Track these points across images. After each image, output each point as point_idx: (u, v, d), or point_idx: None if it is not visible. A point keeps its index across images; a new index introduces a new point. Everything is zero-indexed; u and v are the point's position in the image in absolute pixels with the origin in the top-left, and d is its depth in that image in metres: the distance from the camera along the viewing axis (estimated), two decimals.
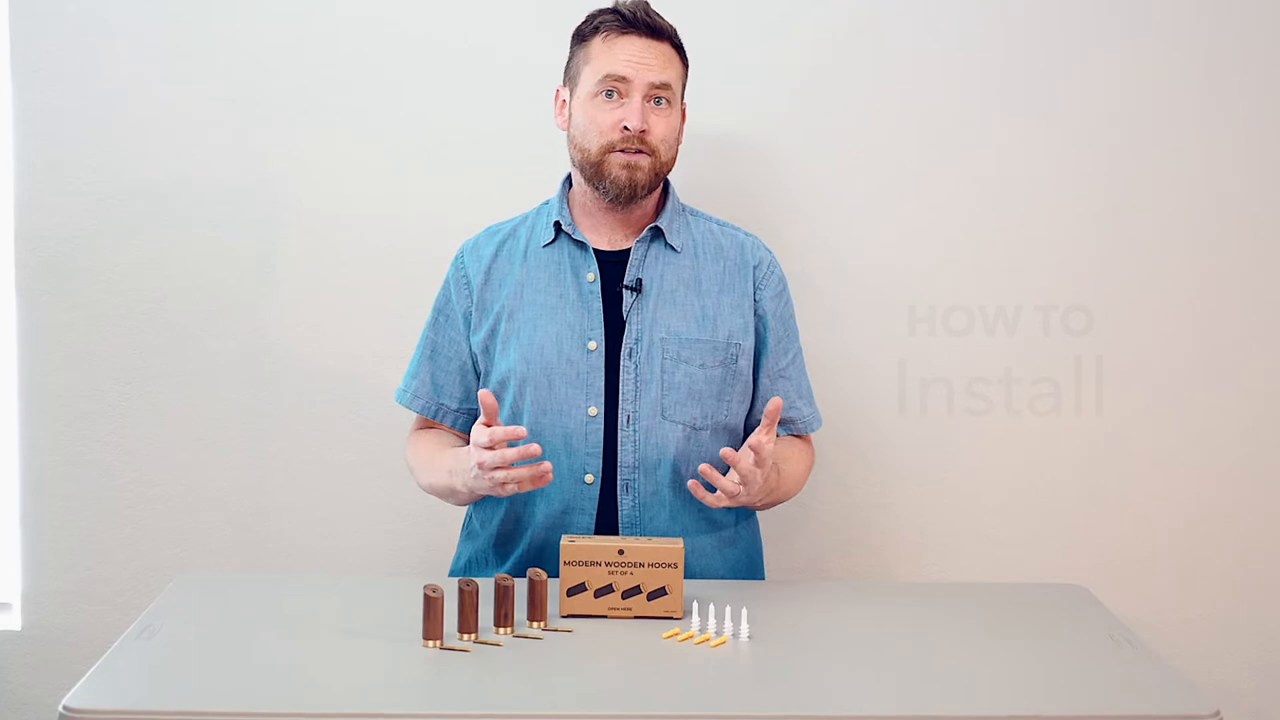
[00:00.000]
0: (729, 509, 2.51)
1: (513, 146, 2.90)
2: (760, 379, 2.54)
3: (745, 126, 2.94)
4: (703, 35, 2.84)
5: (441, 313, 2.57)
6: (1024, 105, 2.94)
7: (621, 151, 2.42)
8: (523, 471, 2.24)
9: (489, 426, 2.25)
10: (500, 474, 2.24)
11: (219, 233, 2.94)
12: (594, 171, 2.45)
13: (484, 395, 2.25)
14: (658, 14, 2.47)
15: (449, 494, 2.47)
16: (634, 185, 2.44)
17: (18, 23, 2.89)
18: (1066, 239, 2.96)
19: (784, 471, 2.47)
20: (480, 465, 2.25)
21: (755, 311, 2.53)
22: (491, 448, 2.23)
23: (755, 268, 2.54)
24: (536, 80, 2.76)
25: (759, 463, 2.27)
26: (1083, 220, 2.96)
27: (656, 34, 2.45)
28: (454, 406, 2.56)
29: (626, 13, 2.45)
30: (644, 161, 2.44)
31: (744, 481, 2.28)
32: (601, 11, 2.48)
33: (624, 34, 2.44)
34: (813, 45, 2.93)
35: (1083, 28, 2.92)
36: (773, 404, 2.26)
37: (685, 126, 2.54)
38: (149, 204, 2.92)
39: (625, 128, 2.41)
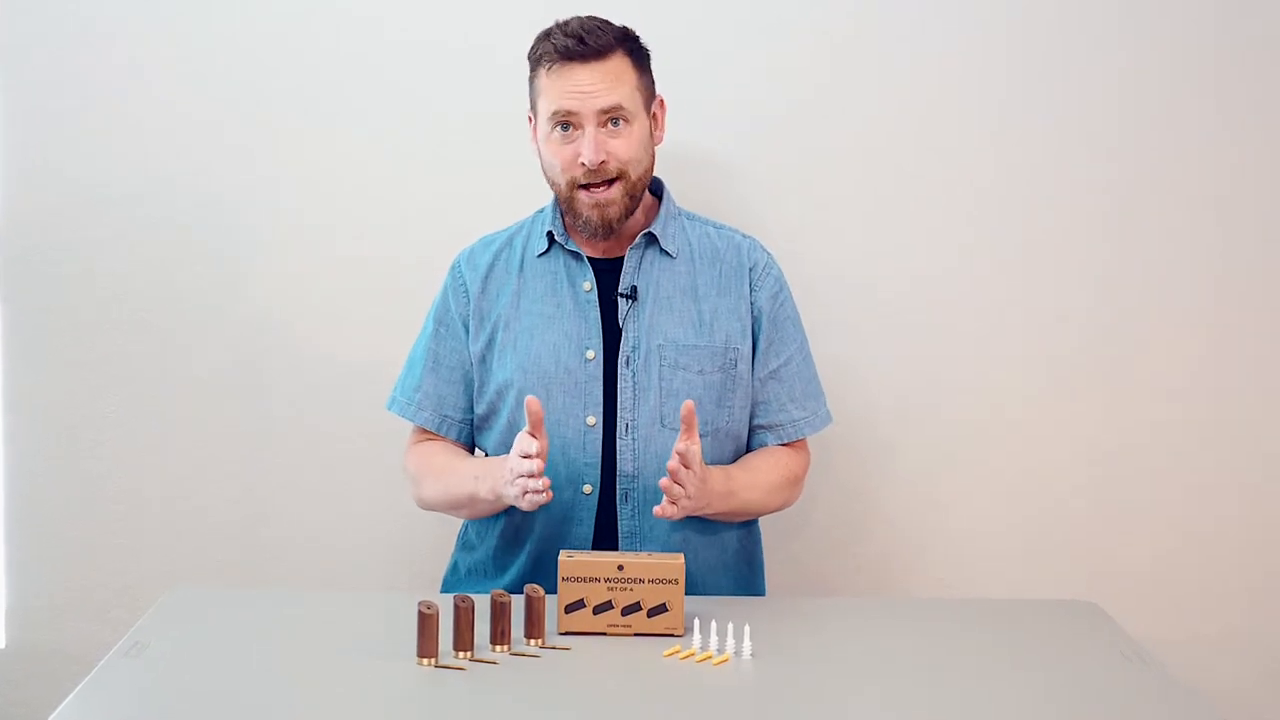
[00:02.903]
0: (728, 522, 2.49)
1: (513, 147, 2.84)
2: (752, 381, 2.50)
3: (744, 132, 2.91)
4: (701, 41, 2.82)
5: (441, 323, 2.54)
6: (1028, 110, 2.91)
7: (586, 188, 2.39)
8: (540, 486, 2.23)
9: (533, 435, 2.23)
10: (535, 483, 2.22)
11: (210, 237, 2.91)
12: (567, 207, 2.44)
13: (531, 401, 2.23)
14: (597, 29, 2.38)
15: (467, 503, 2.43)
16: (606, 221, 2.41)
17: (3, 25, 2.85)
18: (1073, 245, 2.94)
19: (739, 479, 2.41)
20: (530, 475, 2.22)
21: (751, 313, 2.49)
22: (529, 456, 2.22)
23: (751, 269, 2.51)
24: None
25: (686, 464, 2.23)
26: (1089, 226, 2.93)
27: (599, 54, 2.37)
28: (458, 418, 2.53)
29: (558, 44, 2.37)
30: (614, 193, 2.40)
31: (678, 482, 2.24)
32: (543, 37, 2.41)
33: (565, 63, 2.37)
34: (812, 51, 2.90)
35: (1086, 32, 2.89)
36: (684, 408, 2.23)
37: (666, 120, 2.50)
38: (138, 208, 2.89)
39: (583, 163, 2.37)
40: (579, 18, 2.41)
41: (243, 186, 2.90)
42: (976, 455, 2.97)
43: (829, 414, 2.58)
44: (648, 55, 2.47)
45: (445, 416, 2.53)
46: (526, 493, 2.23)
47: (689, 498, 2.26)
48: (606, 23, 2.41)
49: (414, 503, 2.57)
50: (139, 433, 2.93)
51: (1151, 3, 2.88)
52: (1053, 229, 2.93)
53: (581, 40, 2.36)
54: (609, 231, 2.42)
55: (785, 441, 2.53)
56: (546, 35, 2.41)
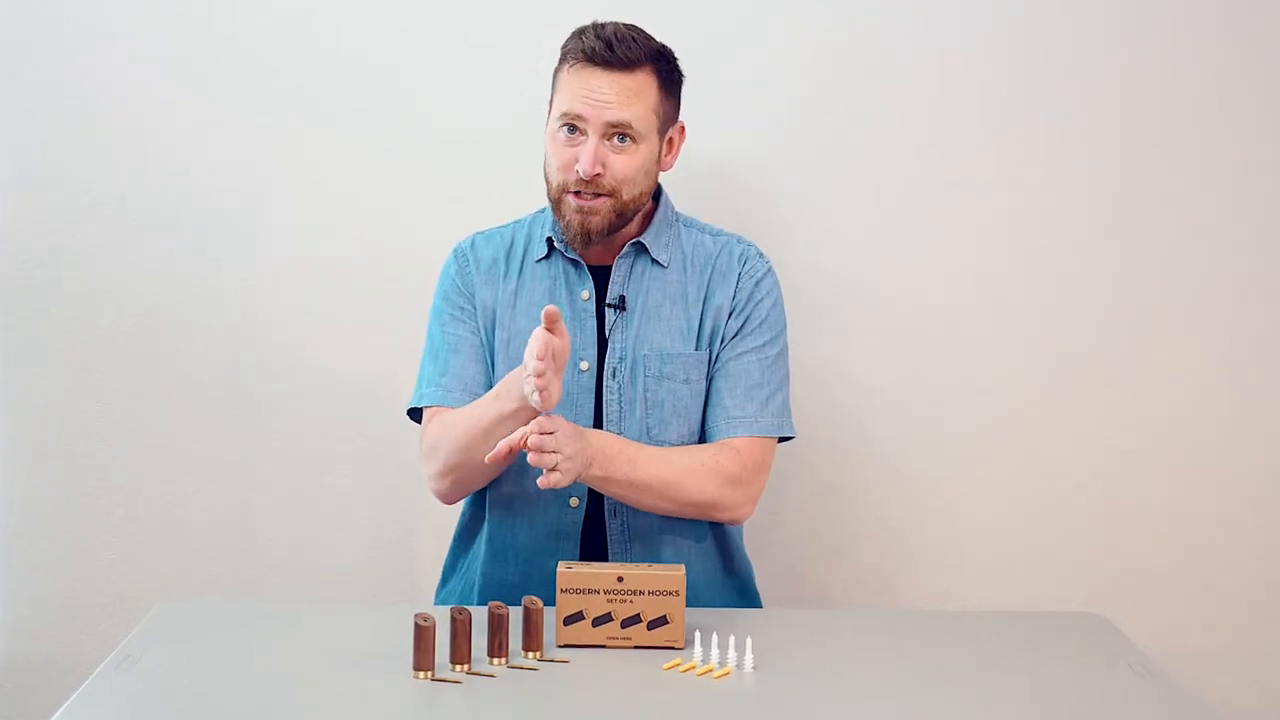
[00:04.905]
0: (716, 536, 2.46)
1: (512, 149, 2.84)
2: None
3: (745, 131, 2.88)
4: (700, 41, 2.79)
5: (453, 304, 2.45)
6: (1036, 111, 2.89)
7: (576, 195, 2.34)
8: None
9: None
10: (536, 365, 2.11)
11: (208, 240, 2.89)
12: (554, 207, 2.39)
13: (549, 309, 2.12)
14: (632, 38, 2.33)
15: (490, 427, 2.25)
16: (588, 230, 2.35)
17: (2, 25, 2.83)
18: (1078, 247, 2.91)
19: (638, 446, 2.31)
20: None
21: (729, 307, 2.43)
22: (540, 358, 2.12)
23: (739, 273, 2.45)
24: (536, 81, 2.71)
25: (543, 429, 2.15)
26: (1095, 229, 2.91)
27: (624, 66, 2.32)
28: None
29: (586, 44, 2.33)
30: (601, 205, 2.34)
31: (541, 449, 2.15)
32: (575, 34, 2.37)
33: (587, 66, 2.33)
34: (814, 49, 2.88)
35: (1094, 29, 2.87)
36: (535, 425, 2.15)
37: (683, 143, 2.46)
38: (136, 210, 2.87)
39: (577, 171, 2.33)
40: (617, 24, 2.35)
41: (241, 188, 2.88)
42: (980, 460, 2.94)
43: (777, 427, 2.40)
44: (679, 80, 2.42)
45: (476, 396, 2.39)
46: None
47: (566, 457, 2.16)
48: (644, 36, 2.36)
49: (433, 485, 2.40)
50: (134, 438, 2.91)
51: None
52: (1057, 232, 2.90)
53: (610, 48, 2.31)
54: (588, 241, 2.37)
55: (719, 439, 2.39)
56: (580, 33, 2.36)
